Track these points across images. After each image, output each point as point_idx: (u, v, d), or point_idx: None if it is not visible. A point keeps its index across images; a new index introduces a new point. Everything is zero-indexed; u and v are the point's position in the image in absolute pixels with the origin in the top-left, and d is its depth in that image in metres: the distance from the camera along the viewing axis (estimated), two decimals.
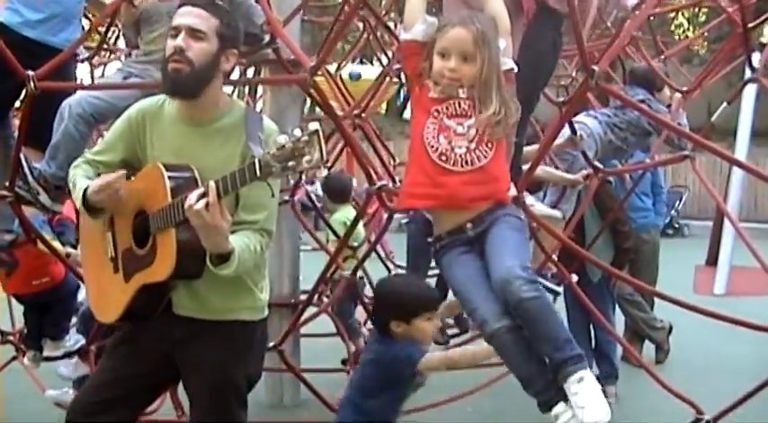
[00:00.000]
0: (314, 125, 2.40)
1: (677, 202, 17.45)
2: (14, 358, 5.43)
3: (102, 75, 7.01)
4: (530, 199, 3.91)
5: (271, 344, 4.66)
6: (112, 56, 7.25)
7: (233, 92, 7.73)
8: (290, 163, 2.40)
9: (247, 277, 2.95)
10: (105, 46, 6.49)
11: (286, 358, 4.88)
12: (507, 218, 2.95)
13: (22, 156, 3.93)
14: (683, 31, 17.19)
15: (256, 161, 2.47)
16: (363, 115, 6.15)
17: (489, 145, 2.91)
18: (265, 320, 3.12)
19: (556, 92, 5.89)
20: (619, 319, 6.85)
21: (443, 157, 2.88)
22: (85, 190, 2.91)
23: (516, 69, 3.07)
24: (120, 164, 3.01)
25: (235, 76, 6.53)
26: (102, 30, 5.86)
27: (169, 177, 2.78)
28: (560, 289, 5.63)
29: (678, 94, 5.45)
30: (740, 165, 3.99)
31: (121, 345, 3.11)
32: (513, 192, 3.60)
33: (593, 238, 5.83)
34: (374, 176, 4.16)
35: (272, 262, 5.91)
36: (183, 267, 2.76)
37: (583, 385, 2.62)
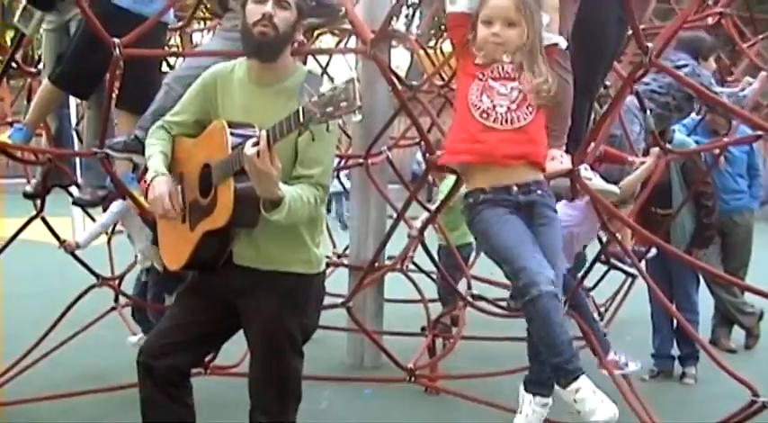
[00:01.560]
0: (351, 74, 2.63)
1: None
2: (113, 309, 5.80)
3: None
4: (587, 173, 3.91)
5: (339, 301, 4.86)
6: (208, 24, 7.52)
7: (329, 60, 7.91)
8: (329, 109, 2.62)
9: (304, 231, 3.15)
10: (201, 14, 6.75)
11: (353, 315, 5.03)
12: (552, 214, 3.08)
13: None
14: None
15: (300, 108, 2.69)
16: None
17: (530, 108, 3.02)
18: (322, 275, 3.32)
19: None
20: (708, 301, 6.76)
21: (485, 114, 3.01)
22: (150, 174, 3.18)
23: (565, 45, 3.13)
24: (193, 123, 3.29)
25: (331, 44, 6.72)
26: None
27: (231, 133, 3.02)
28: (635, 271, 5.60)
29: (764, 73, 5.32)
30: None
31: (187, 294, 3.37)
32: (567, 164, 3.68)
33: (677, 210, 5.81)
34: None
35: (359, 227, 6.16)
36: (241, 215, 2.99)
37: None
